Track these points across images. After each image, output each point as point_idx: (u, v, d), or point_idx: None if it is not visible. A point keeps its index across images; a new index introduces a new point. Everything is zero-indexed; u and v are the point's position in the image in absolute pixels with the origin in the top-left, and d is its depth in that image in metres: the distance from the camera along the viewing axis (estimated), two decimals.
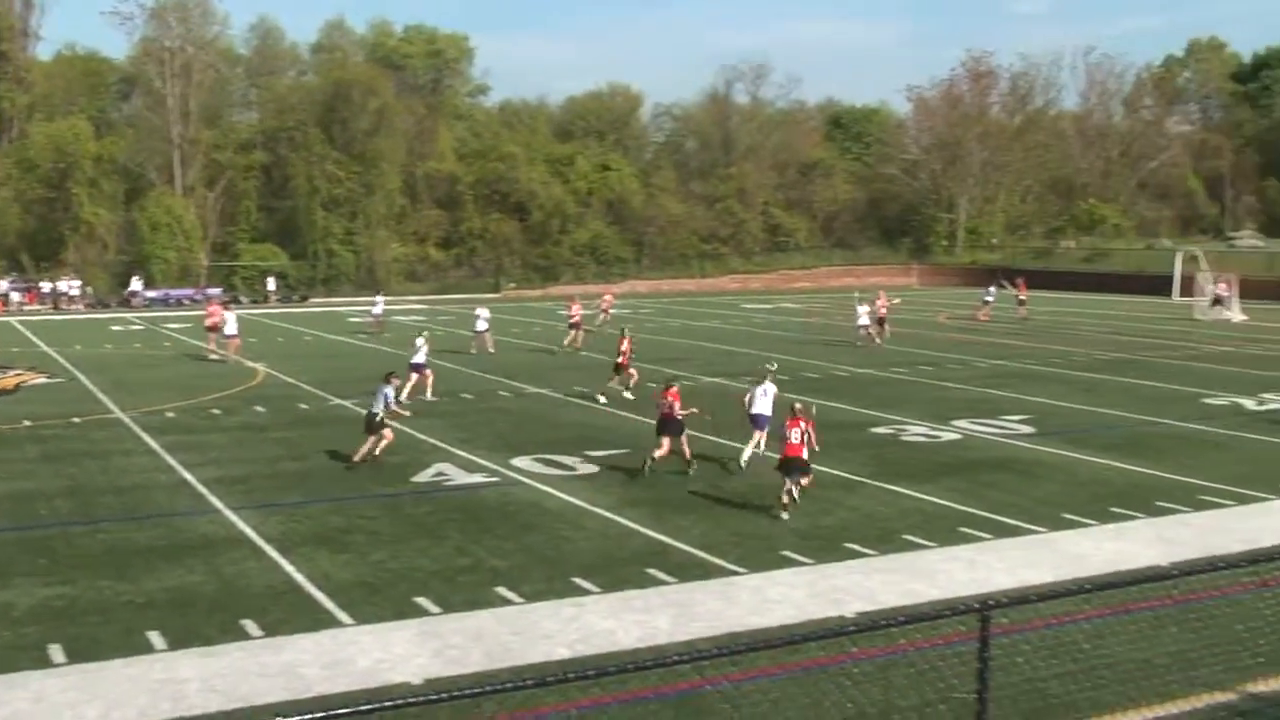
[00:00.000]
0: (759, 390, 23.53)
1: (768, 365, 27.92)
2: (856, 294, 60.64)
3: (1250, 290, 66.09)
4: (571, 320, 45.37)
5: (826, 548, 17.42)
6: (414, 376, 32.43)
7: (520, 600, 14.97)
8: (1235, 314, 60.59)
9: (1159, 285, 77.28)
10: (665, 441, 22.30)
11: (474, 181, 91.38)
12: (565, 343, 45.02)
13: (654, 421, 23.11)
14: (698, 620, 14.18)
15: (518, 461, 23.63)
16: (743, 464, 22.90)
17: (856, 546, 17.48)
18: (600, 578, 15.90)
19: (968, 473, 22.65)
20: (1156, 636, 13.02)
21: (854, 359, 41.57)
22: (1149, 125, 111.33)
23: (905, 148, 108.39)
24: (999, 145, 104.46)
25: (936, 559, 16.87)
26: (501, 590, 15.39)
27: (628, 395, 31.95)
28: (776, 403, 23.29)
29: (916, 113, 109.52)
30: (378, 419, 23.42)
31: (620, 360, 32.37)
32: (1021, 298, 61.09)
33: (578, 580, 15.80)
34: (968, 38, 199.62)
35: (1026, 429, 27.50)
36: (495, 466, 23.14)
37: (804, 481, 19.94)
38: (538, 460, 23.77)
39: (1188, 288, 68.90)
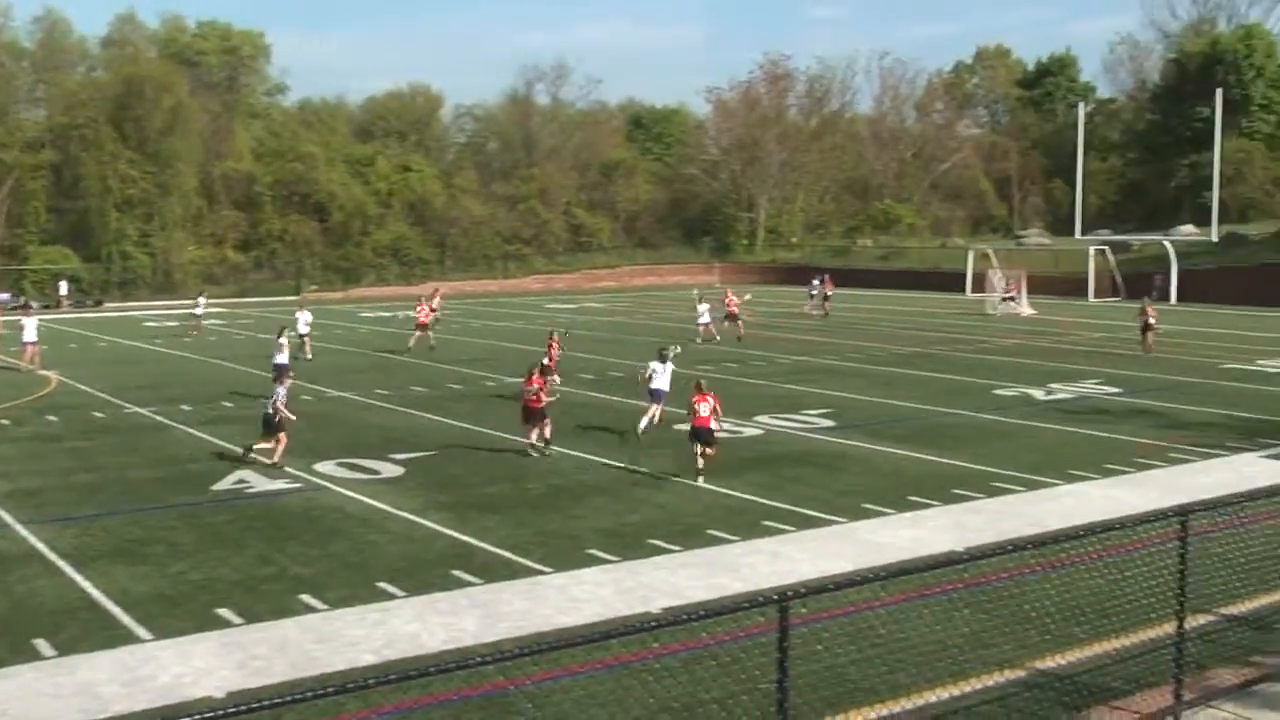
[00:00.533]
0: (658, 368, 26.67)
1: (672, 348, 29.77)
2: (697, 292, 61.39)
3: (1037, 286, 68.86)
4: (419, 321, 44.97)
5: (633, 545, 17.55)
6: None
7: (325, 607, 14.75)
8: (1024, 309, 63.00)
9: (953, 282, 79.93)
10: (535, 428, 24.13)
11: (272, 182, 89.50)
12: (411, 343, 44.52)
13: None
14: (504, 621, 14.16)
15: (321, 466, 23.25)
16: (639, 433, 25.44)
17: (662, 543, 17.65)
18: (405, 581, 15.76)
19: (771, 467, 23.07)
20: (951, 619, 13.47)
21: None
22: (940, 128, 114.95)
23: (705, 148, 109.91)
24: (797, 146, 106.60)
25: (741, 553, 17.14)
26: (305, 598, 15.13)
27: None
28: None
29: (716, 114, 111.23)
30: (276, 419, 23.52)
31: (548, 362, 31.08)
32: (828, 294, 62.64)
33: (383, 585, 15.63)
34: (766, 41, 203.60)
35: (828, 423, 28.11)
36: (298, 472, 22.72)
37: (710, 451, 22.08)
38: (341, 465, 23.43)
39: (980, 284, 71.39)
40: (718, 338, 47.18)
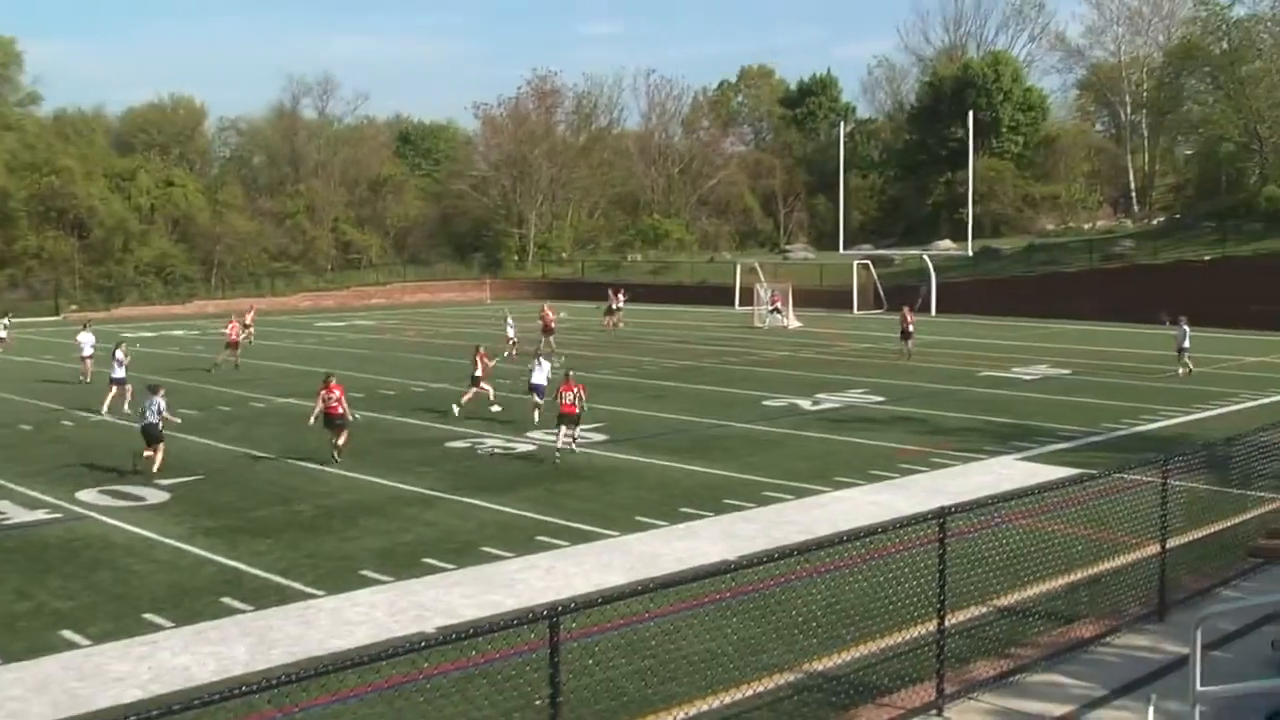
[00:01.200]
0: (537, 365, 31.42)
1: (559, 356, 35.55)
2: (506, 309, 61.05)
3: (803, 299, 70.62)
4: (230, 339, 44.70)
5: (406, 565, 17.34)
6: (113, 390, 33.11)
7: (88, 643, 14.14)
8: (790, 321, 64.52)
9: (721, 296, 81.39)
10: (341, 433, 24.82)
11: (27, 197, 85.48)
12: (219, 359, 43.90)
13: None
14: (276, 647, 13.81)
15: (83, 495, 22.31)
16: (535, 418, 30.06)
17: (436, 561, 17.49)
18: (173, 612, 15.23)
19: (544, 482, 23.09)
20: (722, 628, 13.66)
21: (430, 374, 41.52)
22: (707, 145, 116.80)
23: (475, 164, 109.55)
24: (566, 162, 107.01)
25: (516, 569, 17.09)
26: (67, 634, 14.49)
27: (495, 408, 32.45)
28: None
29: (485, 130, 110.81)
30: (158, 428, 24.42)
31: (479, 374, 32.60)
32: (614, 306, 63.22)
33: (149, 616, 15.07)
34: (538, 56, 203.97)
35: (600, 437, 28.24)
36: (58, 501, 21.76)
37: (576, 433, 25.62)
38: (104, 492, 22.53)
39: (747, 298, 72.85)
40: (542, 350, 46.84)
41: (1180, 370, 40.30)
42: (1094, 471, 14.33)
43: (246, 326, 45.89)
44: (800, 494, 21.85)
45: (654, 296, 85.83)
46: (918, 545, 12.56)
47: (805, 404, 33.88)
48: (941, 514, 11.38)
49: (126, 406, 32.30)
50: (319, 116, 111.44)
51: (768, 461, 25.12)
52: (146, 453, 24.40)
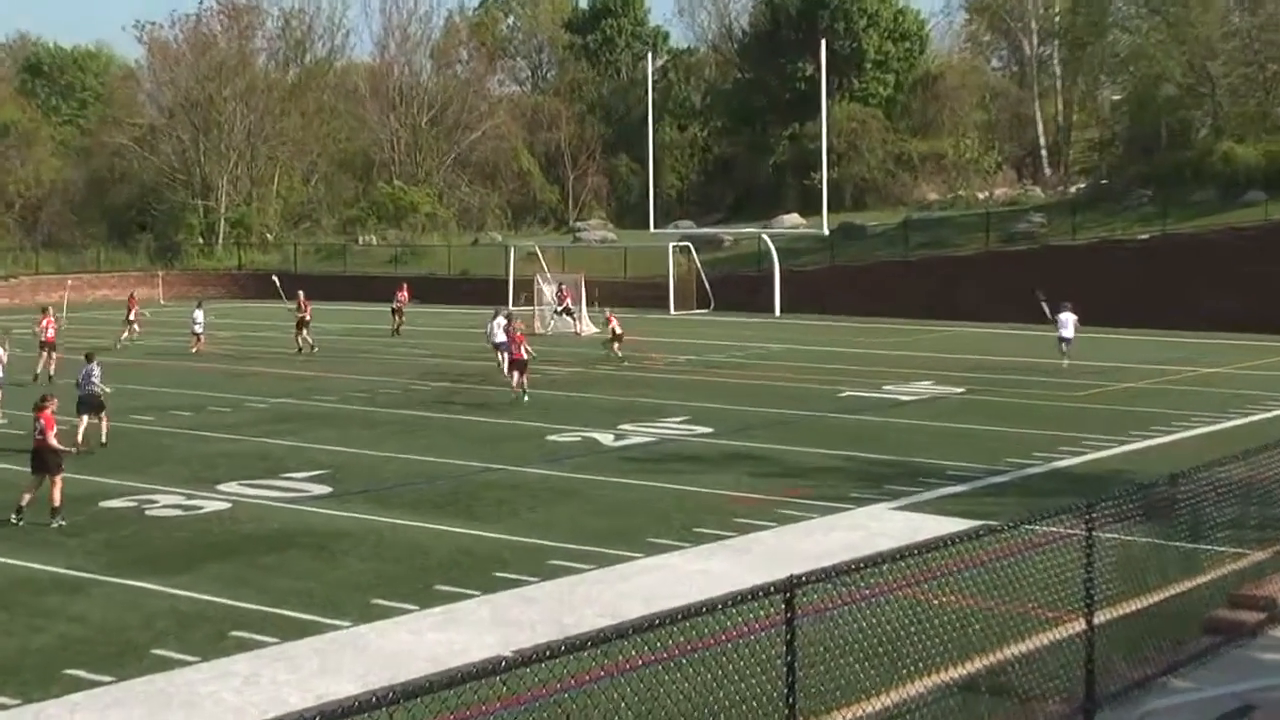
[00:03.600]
0: (496, 324, 46.05)
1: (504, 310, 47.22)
2: (198, 302, 61.03)
3: (601, 295, 70.69)
4: (47, 338, 47.37)
5: (40, 679, 16.81)
6: None
7: None
8: (584, 326, 64.68)
9: (490, 291, 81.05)
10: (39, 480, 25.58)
11: None
12: (39, 368, 46.03)
13: None
14: None
15: None
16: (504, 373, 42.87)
17: (84, 673, 17.02)
18: None
19: (242, 554, 22.69)
20: None
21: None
22: (466, 85, 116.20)
23: (139, 108, 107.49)
24: (270, 108, 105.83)
25: (201, 679, 16.70)
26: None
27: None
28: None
29: (153, 60, 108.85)
30: (101, 396, 32.84)
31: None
32: (398, 306, 64.91)
33: None
34: None
35: (320, 489, 27.92)
36: None
37: (525, 381, 40.11)
38: None
39: (526, 294, 72.89)
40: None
41: (1064, 363, 45.28)
42: (996, 523, 14.52)
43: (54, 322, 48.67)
44: (600, 561, 21.82)
45: (393, 294, 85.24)
46: (760, 629, 12.57)
47: (605, 438, 34.04)
48: (790, 585, 11.36)
49: None
50: None
51: (554, 518, 25.07)
52: (90, 422, 32.44)
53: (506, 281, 79.14)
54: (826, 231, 75.06)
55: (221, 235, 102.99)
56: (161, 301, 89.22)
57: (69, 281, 78.11)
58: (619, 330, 52.85)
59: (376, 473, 29.99)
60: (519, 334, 43.67)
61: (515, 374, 41.54)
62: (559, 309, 64.92)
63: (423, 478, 29.41)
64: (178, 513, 26.13)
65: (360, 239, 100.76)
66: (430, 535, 23.97)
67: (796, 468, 30.04)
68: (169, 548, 23.34)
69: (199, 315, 57.01)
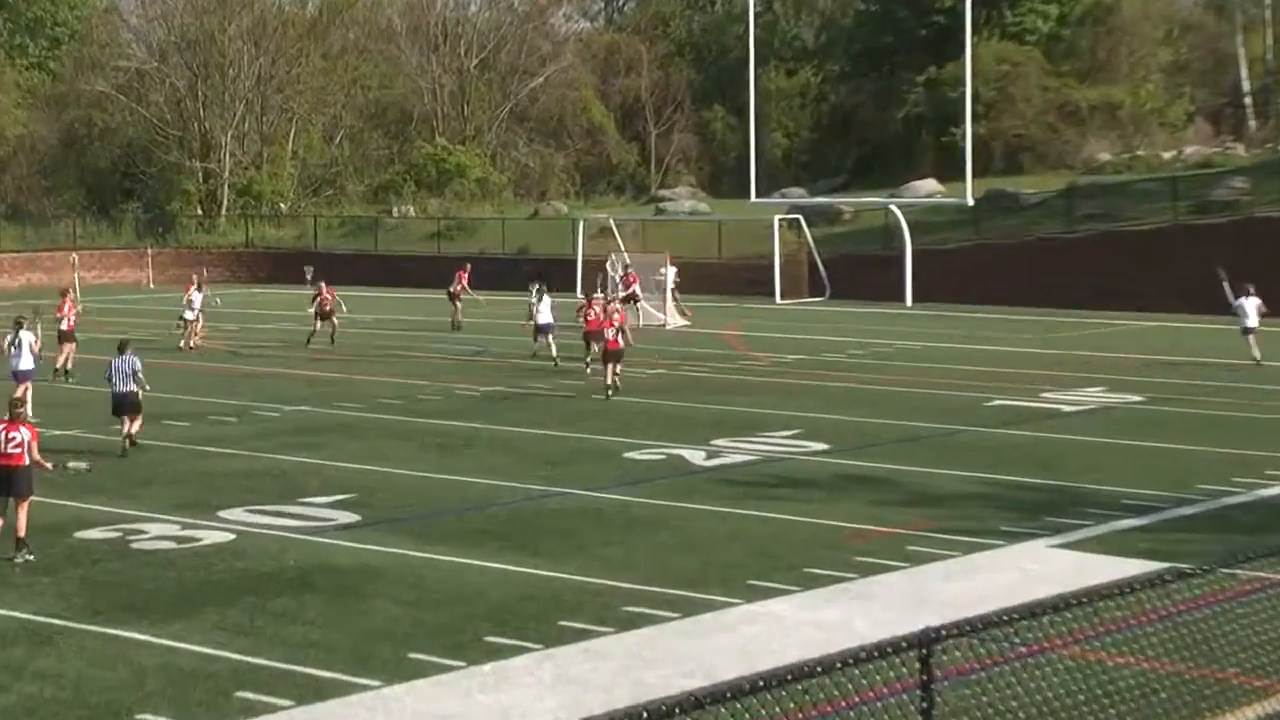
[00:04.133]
0: (543, 304, 51.79)
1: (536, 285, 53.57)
2: (196, 279, 61.31)
3: (691, 280, 70.59)
4: (68, 326, 48.94)
5: None
6: None
7: None
8: (671, 316, 64.58)
9: (557, 274, 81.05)
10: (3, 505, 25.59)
11: None
12: (61, 362, 47.78)
13: None
14: None
15: None
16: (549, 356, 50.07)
17: None
18: None
19: (249, 597, 22.67)
20: None
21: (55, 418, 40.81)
22: (525, 20, 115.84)
23: (124, 49, 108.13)
24: (284, 50, 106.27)
25: None
26: None
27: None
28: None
29: None
30: (139, 395, 34.90)
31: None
32: (456, 290, 64.91)
33: None
34: None
35: (345, 517, 27.91)
36: None
37: (619, 368, 43.15)
38: None
39: (599, 277, 72.85)
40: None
41: (1255, 354, 46.45)
42: (1186, 566, 14.32)
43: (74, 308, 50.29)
44: (689, 609, 21.68)
45: (437, 277, 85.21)
46: (888, 694, 12.43)
47: (695, 456, 33.98)
48: (926, 640, 11.23)
49: None
50: None
51: (632, 554, 24.97)
52: (133, 428, 34.77)
53: (574, 262, 79.21)
54: (970, 201, 74.44)
55: (225, 205, 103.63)
56: (151, 285, 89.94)
57: (73, 258, 79.11)
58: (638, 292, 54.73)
59: (414, 497, 29.98)
60: (618, 315, 46.33)
61: (609, 366, 43.23)
62: (623, 294, 64.66)
63: (471, 504, 29.38)
64: (171, 545, 26.15)
65: (395, 211, 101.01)
66: (479, 575, 23.90)
67: (932, 494, 29.83)
68: (160, 589, 23.32)
69: (197, 298, 57.09)
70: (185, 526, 27.47)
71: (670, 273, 66.87)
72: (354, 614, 21.90)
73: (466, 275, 67.00)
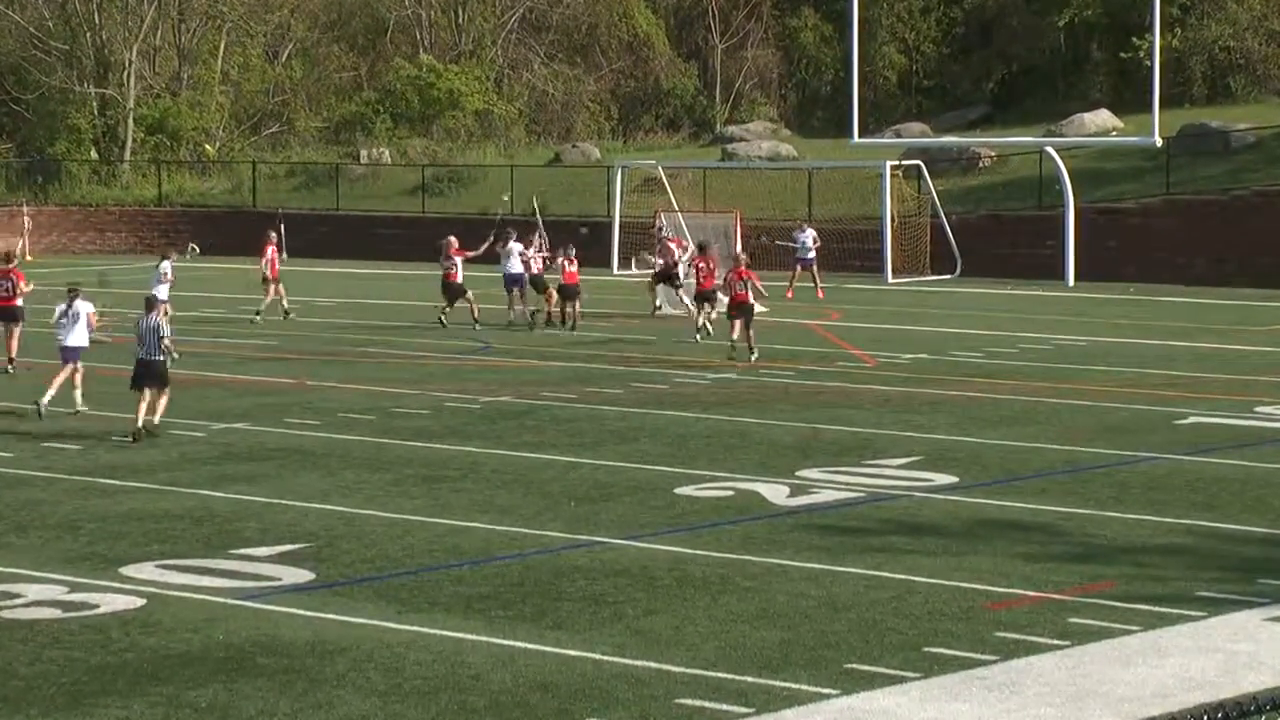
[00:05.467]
0: (513, 249, 60.65)
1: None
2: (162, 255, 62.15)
3: (766, 248, 70.67)
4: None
5: None
6: None
7: None
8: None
9: (587, 238, 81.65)
10: None
11: None
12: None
13: None
14: None
15: None
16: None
17: None
18: None
19: (162, 687, 22.72)
20: None
21: None
22: None
23: None
24: None
25: None
26: None
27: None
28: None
29: None
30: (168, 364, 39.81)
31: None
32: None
33: None
34: None
35: (295, 574, 28.06)
36: None
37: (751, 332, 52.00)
38: None
39: (651, 247, 72.82)
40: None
41: None
42: None
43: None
44: (764, 701, 21.72)
45: (422, 244, 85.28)
46: None
47: (774, 492, 34.10)
48: None
49: None
50: None
51: (685, 627, 24.97)
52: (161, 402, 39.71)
53: (610, 224, 79.38)
54: (1158, 141, 74.38)
55: (129, 146, 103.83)
56: (28, 257, 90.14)
57: (24, 206, 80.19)
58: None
59: (389, 549, 29.99)
60: (741, 269, 54.26)
61: (735, 323, 52.65)
62: (662, 269, 64.56)
63: (467, 557, 29.37)
64: (55, 614, 26.18)
65: (363, 155, 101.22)
66: (477, 655, 23.92)
67: (1102, 546, 29.79)
68: (40, 675, 23.31)
69: (167, 269, 59.07)
70: (75, 589, 27.50)
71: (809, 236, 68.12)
72: (307, 708, 21.99)
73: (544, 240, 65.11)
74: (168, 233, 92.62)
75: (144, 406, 39.05)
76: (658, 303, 64.34)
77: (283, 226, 69.78)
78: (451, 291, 63.40)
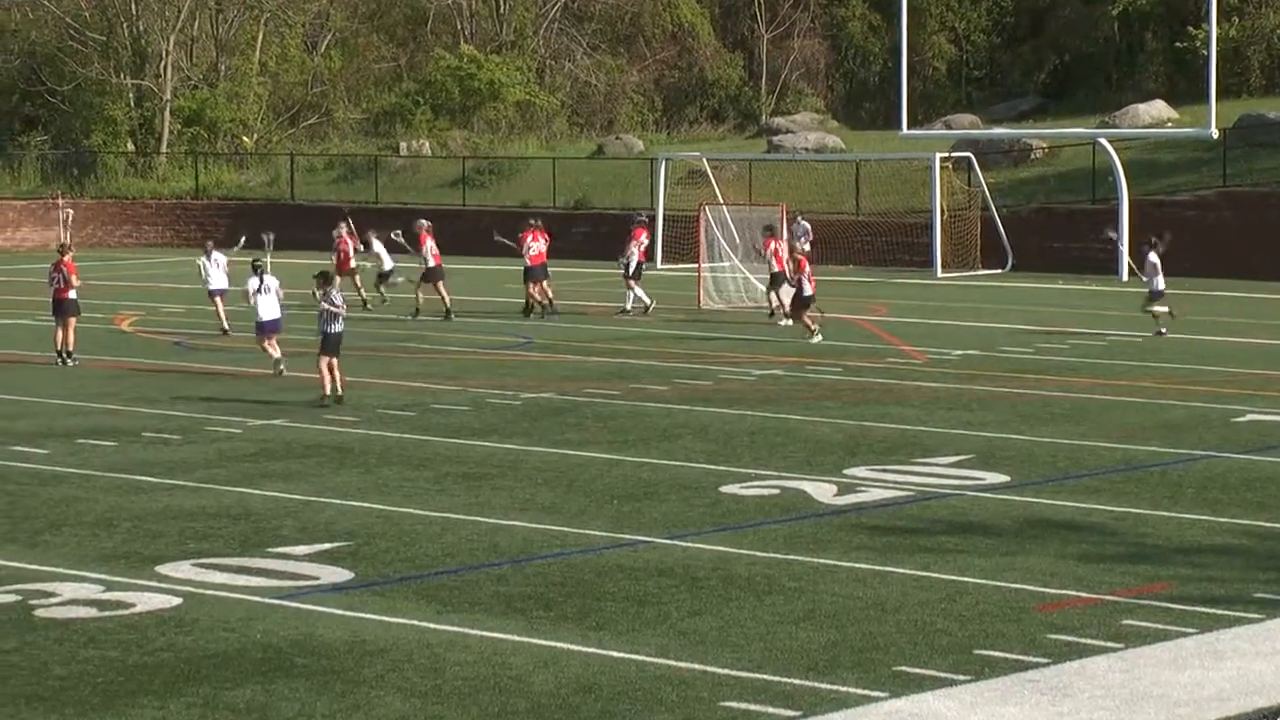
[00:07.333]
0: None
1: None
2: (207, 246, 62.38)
3: (817, 241, 70.55)
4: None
5: None
6: None
7: None
8: (786, 297, 64.77)
9: (626, 232, 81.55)
10: None
11: None
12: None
13: None
14: None
15: None
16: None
17: None
18: None
19: (199, 687, 22.66)
20: None
21: None
22: None
23: None
24: None
25: None
26: None
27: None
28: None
29: None
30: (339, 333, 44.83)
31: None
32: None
33: None
34: None
35: (333, 574, 28.02)
36: None
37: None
38: None
39: (688, 242, 72.70)
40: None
41: None
42: None
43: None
44: (810, 705, 21.65)
45: (463, 236, 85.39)
46: None
47: (821, 490, 34.09)
48: None
49: None
50: None
51: (731, 629, 24.94)
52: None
53: (653, 218, 79.30)
54: (1215, 132, 74.12)
55: (166, 138, 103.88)
56: (58, 248, 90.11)
57: (60, 198, 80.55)
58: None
59: (428, 547, 30.00)
60: (803, 258, 55.87)
61: (800, 313, 55.28)
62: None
63: (507, 557, 29.37)
64: (91, 614, 26.18)
65: (403, 147, 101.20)
66: (519, 656, 23.89)
67: (1156, 546, 29.77)
68: (75, 675, 23.29)
69: (221, 260, 61.72)
70: (110, 587, 27.52)
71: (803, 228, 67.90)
72: (346, 709, 21.98)
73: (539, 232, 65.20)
74: (204, 226, 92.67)
75: (326, 369, 43.97)
76: (774, 305, 64.25)
77: (350, 220, 69.81)
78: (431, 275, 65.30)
